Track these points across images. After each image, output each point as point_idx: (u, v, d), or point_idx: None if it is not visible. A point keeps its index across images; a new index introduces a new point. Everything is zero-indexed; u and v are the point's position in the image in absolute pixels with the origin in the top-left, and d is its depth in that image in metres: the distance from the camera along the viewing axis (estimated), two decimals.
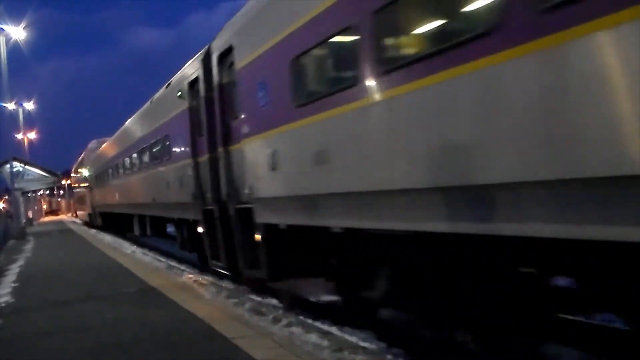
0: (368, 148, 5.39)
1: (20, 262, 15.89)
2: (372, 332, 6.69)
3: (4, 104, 35.17)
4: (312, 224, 6.63)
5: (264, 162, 7.55)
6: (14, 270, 14.02)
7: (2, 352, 6.32)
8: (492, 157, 3.94)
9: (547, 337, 5.29)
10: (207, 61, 9.75)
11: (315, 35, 6.07)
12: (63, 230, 34.08)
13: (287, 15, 6.82)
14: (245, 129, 8.18)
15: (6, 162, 32.46)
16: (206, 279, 10.73)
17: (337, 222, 6.18)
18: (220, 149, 9.40)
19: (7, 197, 43.98)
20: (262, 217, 7.89)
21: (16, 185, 32.08)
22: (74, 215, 53.43)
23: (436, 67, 4.37)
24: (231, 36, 8.76)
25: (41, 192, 65.82)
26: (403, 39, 5.32)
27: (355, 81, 5.39)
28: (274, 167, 7.31)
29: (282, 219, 7.36)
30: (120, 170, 21.06)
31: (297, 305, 8.14)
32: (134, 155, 18.02)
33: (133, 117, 18.99)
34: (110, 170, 24.04)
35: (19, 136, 49.41)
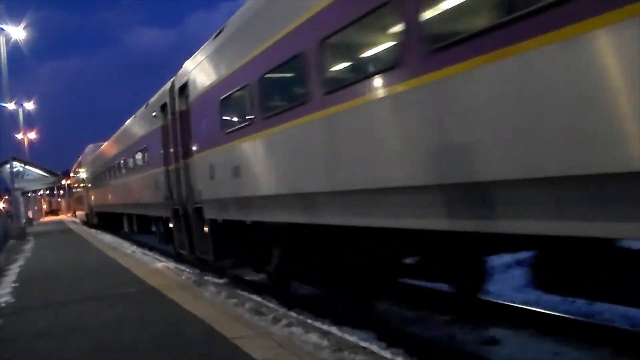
0: (260, 166, 8.17)
1: (20, 262, 15.89)
2: (372, 332, 6.70)
3: (4, 104, 35.18)
4: (235, 218, 9.34)
5: (206, 173, 10.22)
6: (14, 270, 14.03)
7: (2, 352, 6.32)
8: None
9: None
10: (172, 91, 12.43)
11: (232, 85, 8.82)
12: (63, 230, 34.08)
13: (216, 68, 9.73)
14: (195, 147, 10.89)
15: (6, 162, 32.48)
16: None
17: (249, 217, 8.83)
18: (181, 161, 11.97)
19: (7, 197, 43.95)
20: (208, 214, 10.51)
21: (16, 185, 32.08)
22: (73, 214, 55.97)
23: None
24: (186, 74, 11.41)
25: (41, 192, 65.84)
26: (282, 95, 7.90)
27: (252, 120, 8.14)
28: (211, 177, 10.01)
29: (219, 215, 10.03)
30: (112, 174, 23.55)
31: (297, 305, 8.15)
32: (122, 161, 20.57)
33: (122, 127, 21.62)
34: (103, 174, 26.55)
35: (19, 136, 49.46)
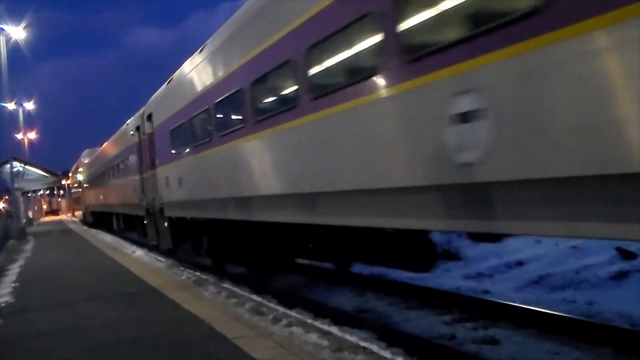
0: (193, 178, 11.44)
1: (20, 262, 15.90)
2: (372, 332, 6.71)
3: (4, 104, 35.17)
4: (180, 215, 12.81)
5: (164, 182, 13.70)
6: (14, 270, 14.03)
7: (2, 352, 6.32)
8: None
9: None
10: (143, 117, 16.13)
11: (177, 120, 12.17)
12: (63, 230, 34.08)
13: (167, 106, 13.20)
14: (157, 161, 14.52)
15: (6, 162, 32.48)
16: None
17: (190, 214, 12.19)
18: (149, 171, 15.44)
19: (7, 197, 43.94)
20: (167, 212, 13.81)
21: (16, 185, 32.08)
22: (73, 214, 58.91)
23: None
24: (151, 106, 15.36)
25: (41, 192, 65.83)
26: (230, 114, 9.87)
27: (188, 146, 11.50)
28: (167, 185, 13.42)
29: (173, 214, 13.37)
30: (103, 178, 27.14)
31: (297, 305, 8.15)
32: (111, 167, 24.18)
33: (111, 138, 25.47)
34: (96, 178, 30.43)
35: (19, 136, 49.46)
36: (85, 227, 35.92)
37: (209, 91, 10.02)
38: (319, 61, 6.40)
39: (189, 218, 12.38)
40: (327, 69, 6.35)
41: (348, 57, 5.99)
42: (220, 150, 9.68)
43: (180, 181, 12.27)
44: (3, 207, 45.28)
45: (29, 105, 48.03)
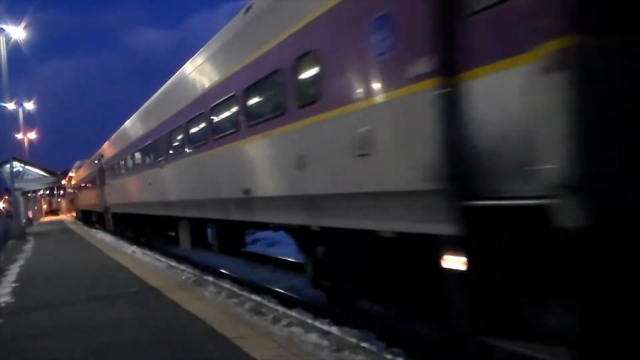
0: (121, 191, 21.35)
1: (20, 262, 15.89)
2: (372, 332, 6.70)
3: (4, 104, 35.15)
4: (118, 211, 22.92)
5: (111, 192, 23.75)
6: (14, 270, 14.02)
7: (2, 352, 6.32)
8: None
9: None
10: (101, 154, 26.83)
11: (112, 159, 22.94)
12: (63, 230, 34.07)
13: (108, 150, 24.93)
14: (106, 180, 24.96)
15: (6, 162, 32.45)
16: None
17: (119, 210, 22.49)
18: (104, 185, 25.36)
19: (7, 197, 43.98)
20: (112, 210, 24.41)
21: (16, 185, 32.05)
22: (69, 213, 68.17)
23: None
24: (104, 148, 26.21)
25: (41, 192, 65.80)
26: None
27: (113, 175, 23.05)
28: (109, 194, 24.07)
29: (115, 210, 23.37)
30: (86, 186, 37.37)
31: (297, 305, 8.15)
32: (90, 179, 33.77)
33: (90, 157, 35.13)
34: (82, 184, 40.93)
35: (19, 136, 49.43)
36: (85, 228, 35.96)
37: (127, 147, 19.25)
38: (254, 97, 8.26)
39: (119, 213, 22.84)
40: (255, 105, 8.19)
41: (256, 103, 8.14)
42: (133, 178, 18.21)
43: (112, 193, 23.74)
44: (3, 207, 45.31)
45: (29, 105, 48.03)
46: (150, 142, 14.93)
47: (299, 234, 7.58)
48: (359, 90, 5.36)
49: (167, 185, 13.45)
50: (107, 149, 24.73)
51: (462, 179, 4.08)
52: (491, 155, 3.91)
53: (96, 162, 28.44)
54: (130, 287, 9.87)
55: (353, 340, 6.06)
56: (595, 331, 3.48)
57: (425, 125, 4.44)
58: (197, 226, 12.58)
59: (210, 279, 11.09)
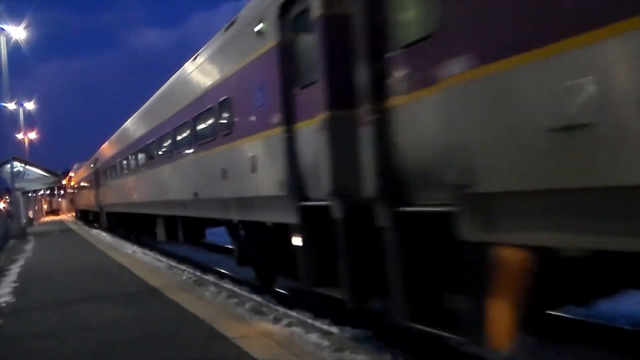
0: (110, 194, 25.98)
1: (21, 262, 15.89)
2: (372, 332, 6.70)
3: (4, 104, 35.16)
4: (110, 210, 26.58)
5: (104, 193, 27.82)
6: (14, 270, 14.02)
7: (2, 352, 6.33)
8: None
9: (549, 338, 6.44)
10: (95, 158, 31.77)
11: (103, 164, 27.97)
12: (63, 230, 34.07)
13: (101, 157, 29.36)
14: (100, 182, 29.14)
15: (6, 162, 32.46)
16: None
17: (120, 209, 22.95)
18: (99, 187, 29.36)
19: (7, 197, 43.99)
20: (106, 209, 28.13)
21: (16, 185, 32.06)
22: (70, 213, 70.37)
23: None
24: (98, 154, 30.81)
25: (41, 192, 65.83)
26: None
27: (105, 178, 27.51)
28: (103, 195, 28.34)
29: (109, 209, 26.85)
30: (83, 186, 41.00)
31: (298, 305, 8.14)
32: (87, 180, 36.64)
33: (88, 160, 37.84)
34: (79, 186, 45.62)
35: (20, 136, 49.43)
36: (86, 228, 35.99)
37: (115, 155, 23.05)
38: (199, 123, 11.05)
39: (111, 212, 26.07)
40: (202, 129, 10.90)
41: (201, 128, 10.88)
42: (122, 182, 21.75)
43: (106, 194, 27.21)
44: (3, 207, 45.29)
45: (30, 105, 48.06)
46: (133, 152, 18.95)
47: (229, 225, 10.34)
48: (251, 128, 8.04)
49: (146, 189, 16.85)
50: (100, 154, 28.97)
51: (298, 189, 6.64)
52: (309, 174, 6.46)
53: (92, 165, 32.48)
54: (130, 287, 9.88)
55: (353, 340, 6.06)
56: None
57: (279, 156, 6.94)
58: (170, 222, 14.87)
59: (211, 279, 11.09)
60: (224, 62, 9.31)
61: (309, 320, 7.03)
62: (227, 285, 10.17)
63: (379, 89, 4.98)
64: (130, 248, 18.86)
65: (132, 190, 19.12)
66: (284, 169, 6.81)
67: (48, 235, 29.22)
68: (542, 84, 3.23)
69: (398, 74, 4.82)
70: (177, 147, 12.77)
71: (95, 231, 30.59)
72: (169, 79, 14.24)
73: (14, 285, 11.39)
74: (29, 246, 22.36)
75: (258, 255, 9.01)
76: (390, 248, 4.86)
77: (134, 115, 19.44)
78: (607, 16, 2.83)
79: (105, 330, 6.86)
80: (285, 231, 7.12)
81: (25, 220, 34.88)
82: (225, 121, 9.22)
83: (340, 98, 5.62)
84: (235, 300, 8.40)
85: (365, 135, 5.17)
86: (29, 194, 46.96)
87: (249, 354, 5.28)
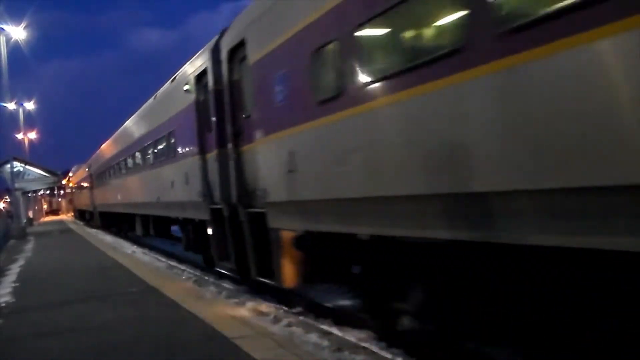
0: (110, 194, 25.97)
1: (21, 262, 15.89)
2: (372, 332, 6.70)
3: (4, 104, 35.17)
4: (103, 210, 29.03)
5: (97, 195, 30.80)
6: (14, 270, 14.02)
7: (2, 352, 6.32)
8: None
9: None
10: (89, 164, 34.74)
11: (98, 169, 30.88)
12: (63, 230, 34.06)
13: (97, 162, 31.71)
14: (94, 185, 32.27)
15: (6, 162, 32.48)
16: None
17: (110, 209, 26.12)
18: (94, 189, 32.43)
19: (7, 197, 44.03)
20: (98, 209, 31.03)
21: (16, 185, 32.09)
22: (69, 213, 70.96)
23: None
24: (92, 159, 33.54)
25: (41, 192, 65.86)
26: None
27: (101, 181, 29.37)
28: (95, 198, 32.23)
29: (101, 209, 29.64)
30: (80, 189, 44.29)
31: (297, 305, 8.15)
32: (83, 183, 39.36)
33: (85, 163, 39.32)
34: (78, 187, 47.20)
35: (20, 136, 49.44)
36: (86, 227, 36.02)
37: (105, 161, 26.33)
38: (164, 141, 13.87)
39: (105, 211, 27.93)
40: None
41: (159, 148, 14.32)
42: (111, 185, 24.47)
43: (98, 196, 29.68)
44: (3, 207, 45.33)
45: (30, 105, 48.03)
46: (116, 161, 22.72)
47: (180, 222, 13.69)
48: (185, 154, 11.33)
49: (127, 193, 20.55)
50: (93, 160, 32.79)
51: (209, 197, 9.53)
52: (214, 187, 9.29)
53: (87, 169, 35.81)
54: (130, 287, 9.87)
55: (353, 340, 6.06)
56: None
57: (198, 175, 10.10)
58: (145, 220, 18.60)
59: (211, 279, 11.09)
60: (170, 104, 12.66)
61: (309, 321, 7.03)
62: (227, 285, 10.17)
63: (237, 139, 8.27)
64: (130, 248, 18.86)
65: (117, 193, 23.00)
66: (201, 183, 9.95)
67: (48, 235, 29.21)
68: (271, 152, 7.03)
69: (245, 132, 8.03)
70: (145, 161, 16.47)
71: (94, 231, 30.61)
72: (150, 97, 17.37)
73: (13, 285, 11.39)
74: (29, 246, 22.37)
75: (195, 243, 11.96)
76: (246, 232, 8.09)
77: (118, 131, 23.54)
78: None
79: (105, 330, 6.85)
80: (204, 225, 10.27)
81: (25, 220, 34.89)
82: (172, 146, 12.60)
83: (223, 140, 8.72)
84: (235, 300, 8.40)
85: (231, 166, 8.40)
86: (29, 194, 47.00)
87: (249, 354, 5.28)
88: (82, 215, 46.16)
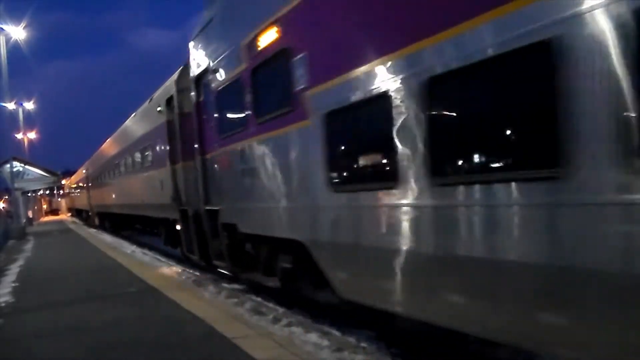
0: (104, 196, 28.86)
1: (20, 262, 15.89)
2: (372, 332, 6.70)
3: (4, 104, 35.14)
4: (101, 211, 31.31)
5: (94, 196, 33.71)
6: (14, 270, 14.02)
7: (2, 352, 6.32)
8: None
9: None
10: (86, 167, 38.95)
11: (93, 171, 34.89)
12: (63, 230, 34.07)
13: (92, 166, 35.78)
14: (90, 187, 35.71)
15: (6, 162, 32.49)
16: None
17: (105, 210, 29.13)
18: (91, 191, 35.63)
19: (7, 197, 44.07)
20: (96, 210, 33.79)
21: (16, 185, 32.10)
22: (69, 213, 73.41)
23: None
24: (88, 162, 37.91)
25: (41, 191, 65.90)
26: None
27: (96, 182, 32.53)
28: (93, 197, 34.32)
29: (99, 210, 31.70)
30: (77, 191, 48.11)
31: (297, 305, 8.14)
32: (81, 184, 42.56)
33: (82, 165, 43.03)
34: (76, 188, 50.21)
35: (19, 136, 49.39)
36: (85, 227, 36.01)
37: (99, 167, 29.95)
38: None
39: (101, 211, 30.71)
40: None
41: (139, 158, 17.25)
42: (105, 188, 27.13)
43: (95, 197, 32.14)
44: (3, 207, 45.36)
45: (29, 105, 47.96)
46: (108, 166, 25.52)
47: (161, 221, 15.27)
48: (159, 163, 13.89)
49: (118, 195, 22.93)
50: (89, 164, 36.07)
51: (178, 200, 11.94)
52: (186, 192, 11.34)
53: (84, 172, 39.60)
54: (130, 287, 9.88)
55: (353, 340, 6.06)
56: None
57: (169, 182, 12.52)
58: (135, 220, 21.78)
59: (210, 279, 11.08)
60: (148, 121, 15.43)
61: (309, 321, 7.03)
62: (227, 285, 10.16)
63: (202, 151, 9.88)
64: (129, 248, 18.86)
65: (110, 196, 25.52)
66: (172, 189, 12.35)
67: (48, 235, 29.21)
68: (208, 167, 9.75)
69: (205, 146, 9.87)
70: (132, 168, 19.01)
71: (93, 231, 30.62)
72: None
73: (13, 285, 11.39)
74: (29, 246, 22.36)
75: (170, 238, 14.47)
76: (206, 226, 9.75)
77: (110, 137, 26.61)
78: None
79: (105, 330, 6.85)
80: (174, 222, 12.72)
81: (24, 220, 34.90)
82: (150, 157, 15.32)
83: (188, 154, 10.79)
84: (235, 300, 8.40)
85: (194, 175, 10.36)
86: (29, 194, 47.00)
87: (249, 354, 5.28)
88: (80, 214, 50.12)
